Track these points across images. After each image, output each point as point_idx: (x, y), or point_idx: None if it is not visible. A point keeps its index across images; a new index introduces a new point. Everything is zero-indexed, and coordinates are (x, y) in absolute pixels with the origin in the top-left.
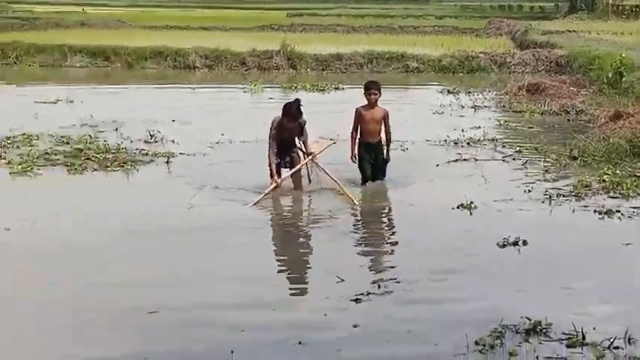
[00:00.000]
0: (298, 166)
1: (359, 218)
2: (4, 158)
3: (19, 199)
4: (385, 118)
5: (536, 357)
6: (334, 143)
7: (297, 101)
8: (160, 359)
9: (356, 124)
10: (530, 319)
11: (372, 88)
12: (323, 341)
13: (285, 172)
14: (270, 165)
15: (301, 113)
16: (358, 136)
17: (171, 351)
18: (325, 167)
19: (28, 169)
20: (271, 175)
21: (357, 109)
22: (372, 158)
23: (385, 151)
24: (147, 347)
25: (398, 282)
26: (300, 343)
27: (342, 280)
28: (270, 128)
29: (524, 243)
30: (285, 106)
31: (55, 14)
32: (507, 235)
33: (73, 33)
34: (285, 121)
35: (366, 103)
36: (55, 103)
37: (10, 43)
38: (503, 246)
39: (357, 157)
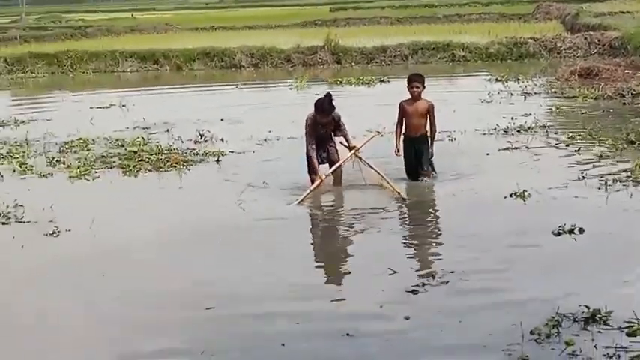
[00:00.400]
0: (342, 161)
1: (408, 211)
2: (64, 163)
3: (78, 201)
4: (430, 111)
5: (595, 346)
6: (381, 136)
7: (329, 96)
8: (216, 352)
9: (400, 118)
10: (588, 308)
11: (414, 81)
12: (373, 332)
13: (324, 168)
14: (310, 163)
15: (333, 107)
16: (403, 130)
17: (226, 343)
18: (369, 161)
19: (86, 172)
20: (312, 173)
21: (400, 103)
22: (416, 152)
23: (430, 146)
24: (202, 341)
25: (452, 272)
26: (347, 334)
27: (395, 272)
28: (305, 126)
29: (581, 231)
30: (316, 102)
31: (106, 21)
32: (563, 223)
33: (123, 39)
34: (318, 117)
35: (410, 97)
36: (108, 107)
37: (64, 52)
38: (559, 234)
39: (399, 151)
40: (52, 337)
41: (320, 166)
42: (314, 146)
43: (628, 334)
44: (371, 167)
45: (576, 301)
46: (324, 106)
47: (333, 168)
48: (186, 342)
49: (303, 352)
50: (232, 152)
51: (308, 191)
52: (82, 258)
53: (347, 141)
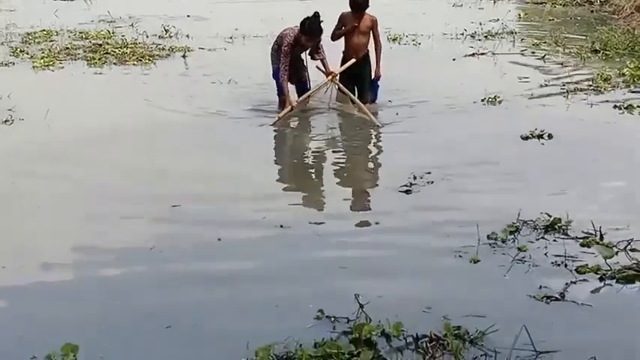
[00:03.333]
0: (317, 87)
1: (380, 127)
2: (27, 53)
3: (39, 91)
4: (373, 27)
5: (545, 254)
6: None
7: (317, 15)
8: (165, 249)
9: (338, 27)
10: (550, 216)
11: (360, 9)
12: (327, 231)
13: (293, 90)
14: (281, 87)
15: (322, 30)
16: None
17: (177, 241)
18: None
19: (50, 63)
20: (279, 94)
21: (341, 14)
22: (357, 74)
23: (376, 66)
24: (156, 237)
25: (429, 173)
26: (281, 226)
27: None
28: (281, 44)
29: (550, 136)
30: (307, 23)
31: None
32: (534, 128)
33: None
34: (304, 39)
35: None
36: (72, 0)
37: None
38: (527, 139)
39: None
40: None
41: (290, 86)
42: (287, 67)
43: (582, 245)
44: (347, 94)
45: (540, 208)
46: (315, 29)
47: (307, 94)
48: (140, 238)
49: (235, 244)
50: (203, 49)
51: (278, 117)
52: (31, 147)
53: (324, 65)
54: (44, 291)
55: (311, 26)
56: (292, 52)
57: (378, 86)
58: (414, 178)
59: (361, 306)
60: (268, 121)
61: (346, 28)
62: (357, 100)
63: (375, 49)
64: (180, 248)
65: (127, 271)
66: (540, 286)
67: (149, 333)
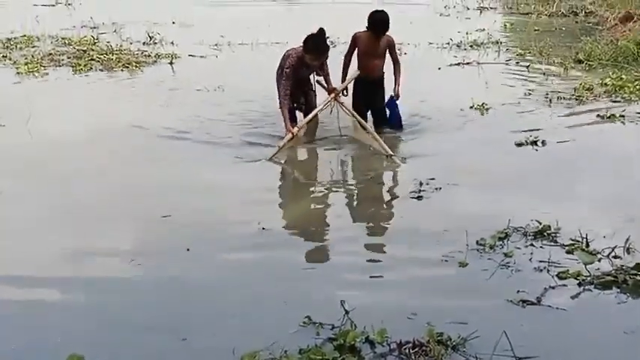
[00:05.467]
0: (319, 108)
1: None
2: (10, 59)
3: (22, 97)
4: (390, 48)
5: (530, 260)
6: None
7: (323, 32)
8: (145, 253)
9: (351, 51)
10: (540, 223)
11: (382, 28)
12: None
13: (300, 116)
14: (282, 111)
15: (328, 47)
16: (355, 69)
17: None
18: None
19: (35, 69)
20: (285, 124)
21: (355, 35)
22: (370, 98)
23: (395, 85)
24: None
25: (433, 179)
26: (263, 229)
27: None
28: (284, 66)
29: (543, 143)
30: (311, 41)
31: None
32: (528, 135)
33: None
34: (308, 57)
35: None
36: (54, 5)
37: None
38: (520, 145)
39: (347, 92)
40: None
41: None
42: (288, 91)
43: (567, 252)
44: (353, 116)
45: (533, 214)
46: (321, 46)
47: (309, 117)
48: (130, 249)
49: (204, 256)
50: (193, 55)
51: (278, 148)
52: (11, 153)
53: (327, 82)
54: (38, 303)
55: (316, 44)
56: (297, 75)
57: (397, 107)
58: (421, 184)
59: (346, 312)
60: (264, 151)
61: (360, 50)
62: (365, 123)
63: (394, 70)
64: (163, 258)
65: (113, 284)
66: (518, 291)
67: (136, 345)
